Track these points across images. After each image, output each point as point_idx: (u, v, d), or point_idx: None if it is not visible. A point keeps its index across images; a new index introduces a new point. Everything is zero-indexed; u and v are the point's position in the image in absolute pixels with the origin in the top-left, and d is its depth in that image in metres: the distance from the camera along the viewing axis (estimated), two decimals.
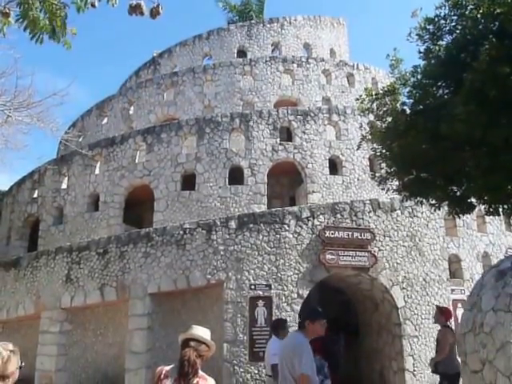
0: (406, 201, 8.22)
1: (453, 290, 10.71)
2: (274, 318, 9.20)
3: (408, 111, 6.92)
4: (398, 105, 7.16)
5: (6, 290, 11.11)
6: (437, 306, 8.24)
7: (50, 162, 16.25)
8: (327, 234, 9.98)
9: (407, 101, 7.18)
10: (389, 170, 7.51)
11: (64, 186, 15.48)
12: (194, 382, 3.05)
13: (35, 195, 16.11)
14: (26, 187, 16.51)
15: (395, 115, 6.92)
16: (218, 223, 9.90)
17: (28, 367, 10.28)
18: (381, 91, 7.43)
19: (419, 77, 6.22)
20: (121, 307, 10.05)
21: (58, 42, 4.08)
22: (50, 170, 15.74)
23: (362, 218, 10.35)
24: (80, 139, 18.26)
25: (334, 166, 14.40)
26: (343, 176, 14.06)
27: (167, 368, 3.20)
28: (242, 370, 8.96)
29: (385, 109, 7.26)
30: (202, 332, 3.30)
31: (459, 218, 8.92)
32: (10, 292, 11.01)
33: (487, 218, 12.21)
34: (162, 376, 3.14)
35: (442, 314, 7.41)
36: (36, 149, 54.64)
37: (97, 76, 79.34)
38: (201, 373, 3.13)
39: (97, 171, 14.93)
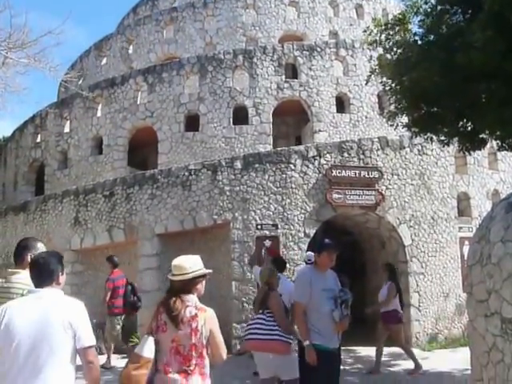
0: (416, 137, 8.05)
1: (460, 228, 10.69)
2: (280, 257, 9.30)
3: (419, 42, 6.60)
4: (408, 35, 6.82)
5: (17, 234, 11.23)
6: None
7: (51, 105, 15.96)
8: (334, 173, 9.86)
9: (419, 31, 6.83)
10: (398, 106, 7.28)
11: (67, 129, 15.29)
12: (187, 315, 3.01)
13: (38, 140, 15.98)
14: (28, 132, 16.35)
15: (406, 47, 6.60)
16: (224, 164, 9.79)
17: None
18: (390, 21, 7.06)
19: (433, 2, 5.84)
20: (129, 248, 10.16)
21: None
22: (51, 114, 15.50)
23: (370, 157, 10.18)
24: (80, 81, 17.83)
25: (342, 104, 14.04)
26: (351, 114, 13.74)
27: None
28: (250, 306, 9.15)
29: (394, 40, 6.92)
30: (185, 266, 3.14)
31: (470, 154, 8.76)
32: (21, 235, 11.13)
33: (499, 155, 11.97)
34: (161, 309, 3.12)
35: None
36: (36, 92, 53.89)
37: (93, 15, 76.79)
38: (199, 305, 3.09)
39: (98, 114, 14.67)
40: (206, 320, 3.04)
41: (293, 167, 9.82)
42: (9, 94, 12.29)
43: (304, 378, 4.36)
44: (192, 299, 3.09)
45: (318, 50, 13.97)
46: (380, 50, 7.72)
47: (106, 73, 17.78)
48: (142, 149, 14.80)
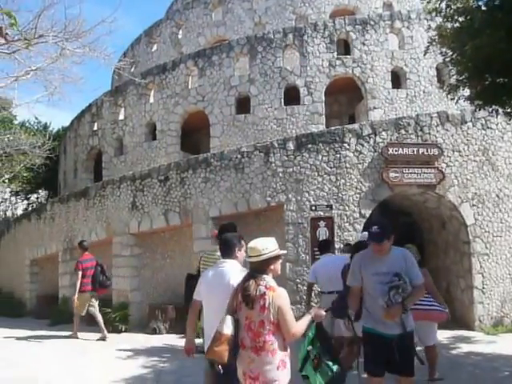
0: (479, 111, 7.56)
1: None
2: (336, 238, 9.16)
3: (483, 7, 6.14)
4: (471, 1, 6.36)
5: (79, 219, 11.69)
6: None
7: (106, 93, 16.37)
8: (390, 151, 9.51)
9: None
10: (459, 78, 6.85)
11: (121, 116, 15.66)
12: (257, 293, 3.20)
13: (95, 128, 16.48)
14: (85, 121, 16.88)
15: (468, 13, 6.16)
16: (276, 145, 9.67)
17: None
18: None
19: None
20: (185, 231, 10.32)
21: None
22: (106, 102, 15.92)
23: (429, 133, 9.72)
24: (132, 68, 18.17)
25: (397, 79, 13.49)
26: (407, 89, 13.17)
27: None
28: (305, 287, 9.07)
29: (455, 7, 6.47)
30: (259, 248, 3.31)
31: None
32: (83, 220, 11.59)
33: None
34: (239, 289, 3.35)
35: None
36: (91, 81, 55.66)
37: (142, 2, 77.91)
38: (269, 284, 3.24)
39: (151, 100, 14.90)
40: (274, 298, 3.17)
41: (347, 146, 9.56)
42: (66, 84, 12.70)
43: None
44: (265, 279, 3.26)
45: (372, 23, 13.43)
46: (439, 20, 7.27)
47: (157, 59, 17.98)
48: (194, 133, 14.93)
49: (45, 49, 10.27)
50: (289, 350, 3.30)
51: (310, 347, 3.60)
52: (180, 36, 18.25)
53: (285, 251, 3.46)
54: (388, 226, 4.21)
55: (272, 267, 3.33)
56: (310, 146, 9.57)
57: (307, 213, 9.39)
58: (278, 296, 3.20)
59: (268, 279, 3.27)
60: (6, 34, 4.48)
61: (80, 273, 9.30)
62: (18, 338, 9.57)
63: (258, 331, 3.17)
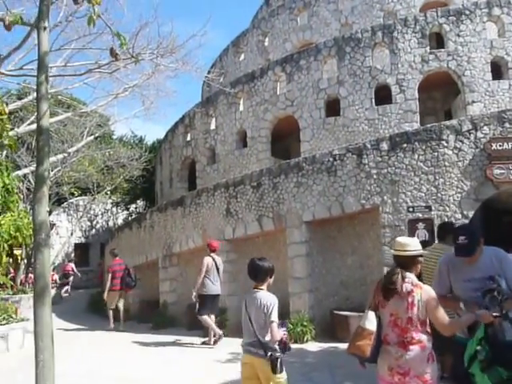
0: None
1: None
2: (436, 241, 8.69)
3: None
4: None
5: (176, 226, 12.20)
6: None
7: (197, 105, 17.03)
8: (494, 147, 8.85)
9: None
10: None
11: (213, 126, 16.18)
12: (404, 290, 3.21)
13: (188, 138, 17.19)
14: (179, 132, 17.67)
15: None
16: (369, 146, 9.43)
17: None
18: None
19: None
20: (278, 236, 10.37)
21: None
22: (198, 113, 16.57)
23: None
24: (221, 79, 18.73)
25: (498, 70, 12.59)
26: (510, 80, 12.25)
27: None
28: None
29: None
30: (408, 243, 3.36)
31: None
32: (180, 228, 12.07)
33: None
34: (379, 286, 3.37)
35: (208, 247, 9.54)
36: (183, 94, 58.18)
37: (228, 16, 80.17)
38: (416, 282, 3.26)
39: (241, 108, 15.24)
40: (422, 295, 3.21)
41: (445, 144, 9.07)
42: (161, 98, 13.39)
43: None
44: (410, 276, 3.29)
45: (467, 13, 12.68)
46: None
47: (245, 68, 18.38)
48: (283, 138, 15.02)
49: (141, 66, 10.84)
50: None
51: (478, 347, 3.45)
52: (266, 43, 18.52)
53: (425, 251, 3.54)
54: (475, 231, 3.78)
55: (416, 266, 3.36)
56: (404, 145, 9.22)
57: (404, 215, 9.03)
58: (426, 293, 3.23)
59: (412, 276, 3.30)
60: (116, 53, 4.81)
61: (110, 275, 11.51)
62: (123, 341, 10.17)
63: (406, 328, 3.20)
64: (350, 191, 9.40)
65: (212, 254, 9.46)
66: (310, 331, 9.02)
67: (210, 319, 9.19)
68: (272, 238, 10.61)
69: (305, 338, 8.97)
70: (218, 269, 9.34)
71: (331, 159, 9.65)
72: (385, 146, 9.32)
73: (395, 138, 9.36)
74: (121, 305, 11.64)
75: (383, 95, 12.82)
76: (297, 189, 9.90)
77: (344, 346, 8.16)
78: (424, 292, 3.23)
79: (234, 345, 9.10)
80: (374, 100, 12.79)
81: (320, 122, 13.25)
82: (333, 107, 13.29)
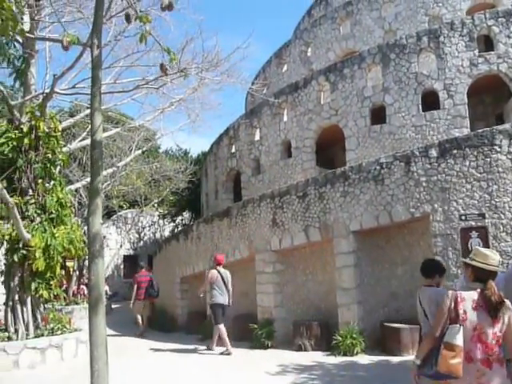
0: None
1: None
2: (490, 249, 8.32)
3: None
4: None
5: (223, 237, 12.28)
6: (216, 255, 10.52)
7: (242, 116, 17.19)
8: None
9: None
10: None
11: (257, 137, 16.29)
12: (506, 315, 3.12)
13: (233, 150, 17.36)
14: (224, 144, 17.88)
15: None
16: (417, 153, 9.20)
17: (250, 303, 11.35)
18: None
19: None
20: (325, 246, 10.25)
21: None
22: (242, 125, 16.73)
23: None
24: (264, 90, 18.87)
25: None
26: None
27: (465, 293, 3.23)
28: None
29: None
30: (489, 257, 3.26)
31: None
32: (226, 239, 12.14)
33: None
34: (459, 299, 3.17)
35: (214, 261, 10.32)
36: (227, 106, 58.97)
37: (269, 30, 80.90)
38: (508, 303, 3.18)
39: (285, 118, 15.28)
40: (504, 309, 3.14)
41: (498, 149, 8.72)
42: (205, 111, 13.62)
43: None
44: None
45: None
46: None
47: (288, 78, 18.44)
48: (328, 148, 14.92)
49: (186, 80, 11.06)
50: None
51: None
52: (309, 54, 18.54)
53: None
54: None
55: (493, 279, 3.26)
56: (454, 151, 8.94)
57: (456, 223, 8.72)
58: (508, 308, 3.15)
59: None
60: (166, 69, 4.95)
61: (135, 286, 12.82)
62: (171, 351, 10.28)
63: (491, 343, 3.08)
64: (399, 200, 9.19)
65: (218, 268, 10.14)
66: (359, 343, 8.83)
67: (224, 329, 9.74)
68: (319, 248, 10.50)
69: (354, 351, 8.79)
70: (224, 281, 9.97)
71: (378, 167, 9.49)
72: (434, 152, 9.07)
73: (445, 145, 9.10)
74: (144, 313, 12.92)
75: (430, 101, 12.52)
76: (343, 198, 9.77)
77: (396, 359, 8.06)
78: (505, 306, 3.15)
79: (283, 357, 9.05)
80: (420, 106, 12.51)
81: (365, 131, 13.08)
82: (378, 115, 13.10)
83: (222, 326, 9.73)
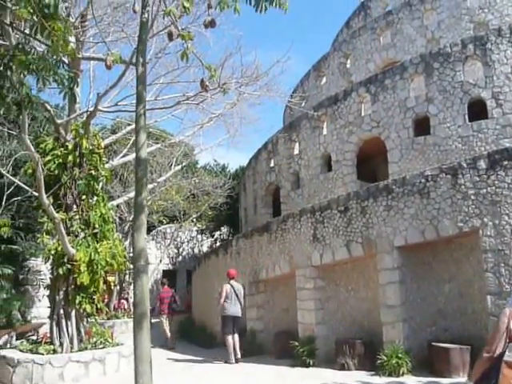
0: None
1: None
2: None
3: None
4: None
5: (262, 253, 12.14)
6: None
7: (280, 130, 17.13)
8: None
9: None
10: None
11: (296, 151, 16.16)
12: None
13: (272, 164, 17.28)
14: (262, 158, 17.83)
15: None
16: (465, 165, 8.84)
17: (290, 320, 11.14)
18: None
19: None
20: (368, 262, 9.96)
21: (277, 6, 4.01)
22: (281, 139, 16.66)
23: None
24: (303, 103, 18.78)
25: None
26: None
27: None
28: None
29: None
30: None
31: None
32: (266, 254, 12.00)
33: None
34: None
35: (227, 275, 11.03)
36: (265, 120, 59.31)
37: (306, 43, 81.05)
38: None
39: (324, 131, 15.11)
40: None
41: None
42: (244, 125, 13.64)
43: None
44: None
45: None
46: None
47: (327, 91, 18.29)
48: (369, 161, 14.63)
49: (225, 95, 11.11)
50: None
51: None
52: (348, 65, 18.36)
53: None
54: None
55: None
56: (505, 162, 8.52)
57: (509, 238, 8.28)
58: None
59: None
60: (206, 85, 4.94)
61: (158, 302, 13.72)
62: (212, 367, 10.18)
63: None
64: (446, 214, 8.83)
65: (231, 282, 10.84)
66: (406, 363, 8.46)
67: (231, 340, 10.37)
68: (361, 263, 10.21)
69: (400, 371, 8.42)
70: (237, 294, 10.62)
71: (423, 180, 9.17)
72: (483, 164, 8.69)
73: (494, 156, 8.71)
74: (171, 327, 13.63)
75: (477, 110, 12.08)
76: (387, 212, 9.48)
77: (446, 381, 7.67)
78: None
79: (326, 375, 8.78)
80: (467, 116, 12.09)
81: (408, 142, 12.75)
82: (421, 126, 12.74)
83: (229, 337, 10.35)
